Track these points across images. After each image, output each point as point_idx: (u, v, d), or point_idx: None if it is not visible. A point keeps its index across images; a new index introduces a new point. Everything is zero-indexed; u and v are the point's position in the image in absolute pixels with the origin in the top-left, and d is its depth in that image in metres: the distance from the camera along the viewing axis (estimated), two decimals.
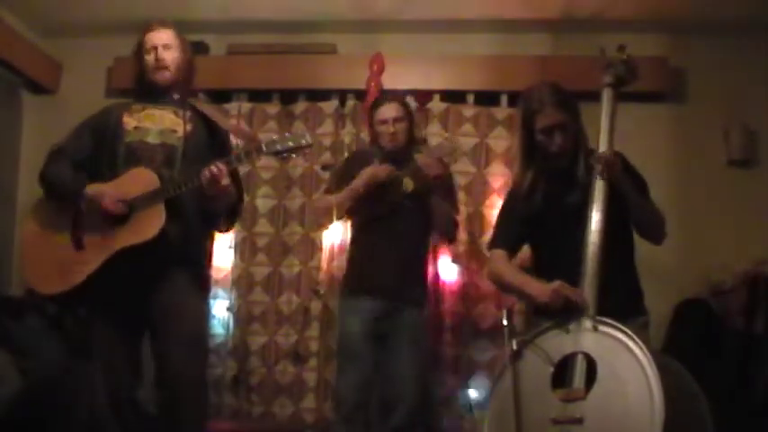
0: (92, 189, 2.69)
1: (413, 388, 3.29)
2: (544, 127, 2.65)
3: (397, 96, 3.63)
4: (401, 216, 3.34)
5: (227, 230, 3.07)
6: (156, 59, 2.84)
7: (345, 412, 3.28)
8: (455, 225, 3.57)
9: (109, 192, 2.67)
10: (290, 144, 2.71)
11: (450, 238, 3.66)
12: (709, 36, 4.21)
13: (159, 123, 2.80)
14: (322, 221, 3.62)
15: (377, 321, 3.29)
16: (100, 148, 2.81)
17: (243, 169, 3.95)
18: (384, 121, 3.41)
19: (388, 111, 3.42)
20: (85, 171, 2.81)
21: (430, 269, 3.74)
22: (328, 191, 3.51)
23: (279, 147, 2.70)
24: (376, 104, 3.51)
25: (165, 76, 2.85)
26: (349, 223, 3.61)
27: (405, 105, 3.52)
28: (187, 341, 2.70)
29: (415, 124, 3.67)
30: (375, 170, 3.34)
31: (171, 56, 2.86)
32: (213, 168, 2.63)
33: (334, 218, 3.44)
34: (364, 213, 3.39)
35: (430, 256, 3.70)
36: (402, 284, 3.32)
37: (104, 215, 2.66)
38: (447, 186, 3.52)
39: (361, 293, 3.33)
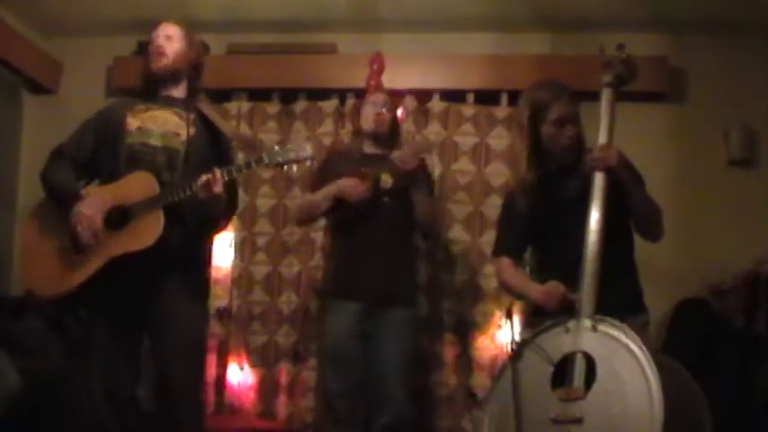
0: (76, 209, 2.66)
1: (402, 387, 3.26)
2: (560, 116, 2.64)
3: (386, 90, 3.73)
4: (382, 214, 3.31)
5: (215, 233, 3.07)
6: (156, 46, 2.84)
7: (337, 416, 3.25)
8: (436, 220, 3.56)
9: (88, 217, 2.64)
10: (292, 156, 2.70)
11: (430, 234, 3.66)
12: (709, 36, 4.21)
13: (162, 125, 2.78)
14: (300, 220, 3.67)
15: (362, 321, 3.25)
16: (102, 148, 2.80)
17: None
18: (373, 103, 3.48)
19: (379, 97, 3.52)
20: (88, 171, 2.81)
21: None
22: (309, 191, 3.52)
23: (280, 159, 2.69)
24: (367, 95, 3.60)
25: (159, 63, 2.82)
26: (327, 223, 3.60)
27: (392, 101, 3.59)
28: (186, 346, 2.71)
29: (399, 125, 3.71)
30: (347, 188, 3.29)
31: (171, 46, 2.85)
32: (209, 175, 2.62)
33: (309, 219, 3.58)
34: (342, 214, 3.36)
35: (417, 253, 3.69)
36: (387, 285, 3.27)
37: (105, 217, 2.66)
38: (424, 181, 3.48)
39: (344, 296, 3.29)
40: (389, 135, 3.49)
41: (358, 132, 3.55)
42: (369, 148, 3.48)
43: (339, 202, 3.32)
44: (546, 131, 2.66)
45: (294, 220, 3.80)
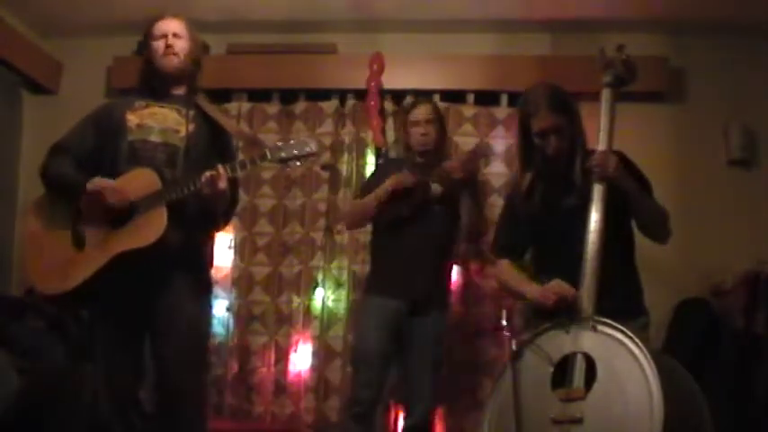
0: (93, 183, 2.66)
1: (432, 389, 3.34)
2: (539, 130, 2.67)
3: (429, 99, 3.76)
4: (430, 219, 3.39)
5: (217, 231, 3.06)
6: (167, 46, 2.80)
7: (358, 410, 3.29)
8: (480, 227, 3.65)
9: (110, 185, 2.65)
10: (295, 152, 2.69)
11: (473, 239, 3.72)
12: (709, 36, 4.21)
13: (162, 122, 2.77)
14: (352, 223, 3.71)
15: (400, 320, 3.33)
16: (102, 145, 2.78)
17: None
18: (416, 122, 3.49)
19: (421, 112, 3.52)
20: (87, 167, 2.79)
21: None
22: (357, 197, 3.60)
23: (283, 154, 2.69)
24: (408, 107, 3.62)
25: (173, 62, 2.80)
26: (372, 224, 3.62)
27: (436, 108, 3.62)
28: (187, 345, 2.69)
29: (446, 132, 3.75)
30: (400, 177, 3.38)
31: (181, 44, 2.82)
32: (213, 171, 2.62)
33: (361, 222, 3.62)
34: (390, 215, 3.41)
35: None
36: (429, 288, 3.36)
37: (105, 211, 2.65)
38: (474, 188, 3.58)
39: (386, 294, 3.36)
40: (438, 146, 3.54)
41: (408, 148, 3.57)
42: (420, 158, 3.52)
43: (391, 201, 3.37)
44: (534, 141, 2.69)
45: (345, 224, 3.91)
